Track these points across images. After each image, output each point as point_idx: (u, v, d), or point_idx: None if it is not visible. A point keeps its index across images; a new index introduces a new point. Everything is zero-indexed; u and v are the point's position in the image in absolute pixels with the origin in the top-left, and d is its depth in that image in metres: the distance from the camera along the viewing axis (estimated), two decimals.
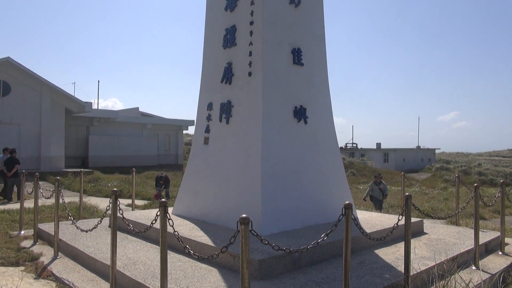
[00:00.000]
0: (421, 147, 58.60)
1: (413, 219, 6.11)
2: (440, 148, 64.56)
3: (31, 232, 7.63)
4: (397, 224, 4.54)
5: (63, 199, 6.56)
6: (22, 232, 7.87)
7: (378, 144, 56.62)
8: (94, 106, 29.84)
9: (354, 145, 58.90)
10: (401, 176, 11.46)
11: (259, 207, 6.19)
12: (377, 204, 12.67)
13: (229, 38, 7.37)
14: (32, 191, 7.41)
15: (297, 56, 7.18)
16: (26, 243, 7.10)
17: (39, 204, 8.43)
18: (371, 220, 7.48)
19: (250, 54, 6.86)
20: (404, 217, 4.56)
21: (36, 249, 6.69)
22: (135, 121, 30.83)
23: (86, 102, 24.49)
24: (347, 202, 3.88)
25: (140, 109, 35.52)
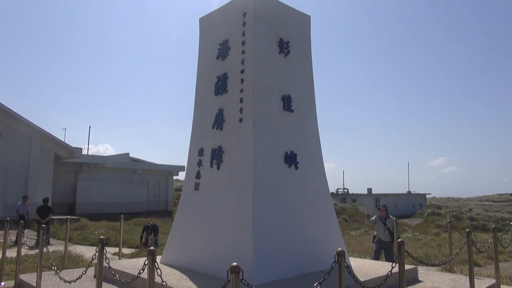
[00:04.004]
0: (412, 192, 58.72)
1: (407, 267, 6.00)
2: (431, 193, 65.13)
3: (12, 283, 7.30)
4: (391, 271, 4.46)
5: (47, 248, 6.34)
6: (3, 283, 7.52)
7: (369, 189, 56.61)
8: (84, 152, 29.71)
9: (345, 190, 58.82)
10: (393, 221, 11.25)
11: (250, 255, 6.04)
12: (380, 248, 9.64)
13: (221, 85, 7.54)
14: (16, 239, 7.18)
15: (287, 102, 7.34)
16: None
17: (22, 253, 8.13)
18: (365, 267, 7.33)
19: (241, 101, 6.99)
20: (398, 264, 4.48)
21: None
22: (125, 166, 30.57)
23: (76, 148, 24.37)
24: (339, 249, 3.83)
25: (131, 155, 35.41)
